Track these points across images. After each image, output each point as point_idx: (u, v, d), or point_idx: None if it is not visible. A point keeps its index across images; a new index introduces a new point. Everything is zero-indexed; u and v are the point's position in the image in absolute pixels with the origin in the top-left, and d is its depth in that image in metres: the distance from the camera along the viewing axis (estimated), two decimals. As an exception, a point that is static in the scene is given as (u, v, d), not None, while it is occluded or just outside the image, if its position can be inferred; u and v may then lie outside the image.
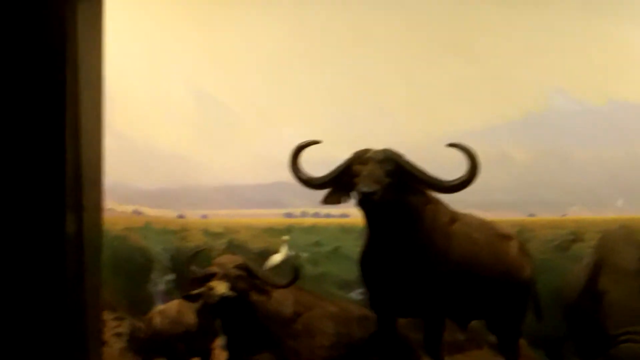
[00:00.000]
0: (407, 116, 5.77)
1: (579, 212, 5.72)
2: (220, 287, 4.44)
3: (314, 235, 6.09)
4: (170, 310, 4.91)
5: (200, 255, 4.92)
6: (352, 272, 5.88)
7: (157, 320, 4.93)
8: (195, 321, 4.68)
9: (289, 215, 6.13)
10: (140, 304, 6.00)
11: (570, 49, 5.58)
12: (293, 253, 5.67)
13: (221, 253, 5.71)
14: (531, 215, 5.79)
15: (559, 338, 5.00)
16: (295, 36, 5.88)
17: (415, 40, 5.76)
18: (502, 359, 4.82)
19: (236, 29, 5.92)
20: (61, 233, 3.35)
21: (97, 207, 3.88)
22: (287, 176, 5.75)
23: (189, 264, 4.81)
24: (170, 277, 6.13)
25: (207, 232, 6.17)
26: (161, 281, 6.12)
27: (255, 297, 4.73)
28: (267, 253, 5.87)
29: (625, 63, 5.55)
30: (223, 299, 4.41)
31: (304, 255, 5.87)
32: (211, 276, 4.59)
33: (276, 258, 5.47)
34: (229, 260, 4.72)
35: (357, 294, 5.90)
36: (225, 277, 4.57)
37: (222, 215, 6.18)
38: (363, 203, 3.88)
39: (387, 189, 3.89)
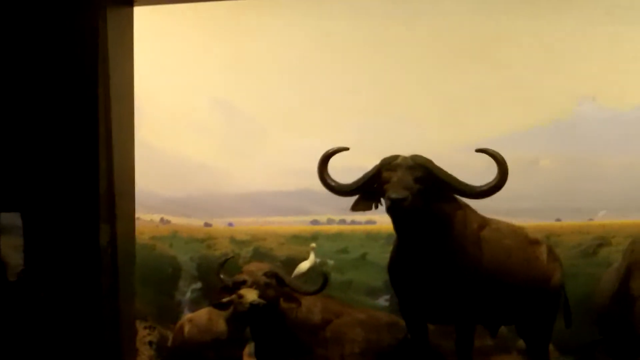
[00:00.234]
0: (432, 124, 5.75)
1: (606, 218, 5.68)
2: (251, 295, 4.46)
3: (340, 242, 6.08)
4: (199, 319, 4.91)
5: (228, 263, 4.95)
6: (378, 279, 5.90)
7: (187, 329, 4.93)
8: (225, 329, 4.67)
9: (314, 222, 6.12)
10: (167, 313, 6.03)
11: (598, 55, 5.54)
12: (319, 260, 5.68)
13: (247, 261, 5.73)
14: (557, 220, 5.76)
15: (591, 343, 4.97)
16: (320, 46, 5.89)
17: (440, 48, 5.74)
18: (530, 365, 4.83)
19: (261, 40, 5.94)
20: (95, 243, 3.39)
21: (130, 217, 3.91)
22: (313, 183, 5.76)
23: (218, 272, 4.84)
24: (197, 285, 6.15)
25: (233, 240, 6.17)
26: (188, 290, 6.14)
27: (284, 304, 4.76)
28: (293, 260, 5.87)
29: (653, 69, 5.54)
30: (253, 306, 4.43)
31: (330, 262, 5.86)
32: (241, 284, 4.62)
33: (304, 265, 5.48)
34: (258, 268, 4.76)
35: (384, 300, 5.90)
36: (255, 284, 4.60)
37: (248, 223, 6.19)
38: (393, 210, 3.87)
39: (417, 195, 3.89)
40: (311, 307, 4.86)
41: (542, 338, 4.72)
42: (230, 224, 6.20)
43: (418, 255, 4.14)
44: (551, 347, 4.86)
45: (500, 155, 4.00)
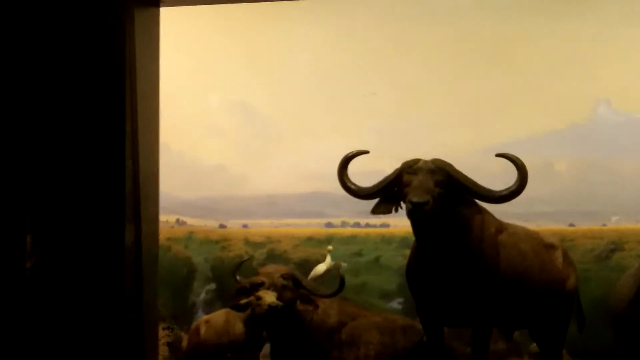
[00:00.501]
0: (450, 127, 5.77)
1: (620, 223, 5.70)
2: (268, 297, 4.45)
3: (354, 245, 6.10)
4: (216, 320, 4.91)
5: (242, 265, 4.95)
6: (392, 282, 5.92)
7: (203, 330, 4.94)
8: (242, 331, 4.64)
9: (329, 225, 6.14)
10: (182, 314, 6.04)
11: (615, 58, 5.56)
12: (334, 263, 5.69)
13: (261, 263, 5.74)
14: (571, 225, 5.78)
15: (608, 348, 4.97)
16: (338, 49, 5.92)
17: (458, 51, 5.76)
18: (543, 368, 4.83)
19: (278, 43, 5.98)
20: (120, 244, 3.41)
21: (154, 218, 3.93)
22: (327, 186, 5.80)
23: (234, 274, 4.84)
24: (211, 286, 6.16)
25: (247, 242, 6.19)
26: (202, 291, 6.15)
27: (300, 306, 4.76)
28: (307, 263, 5.89)
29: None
30: (272, 308, 4.42)
31: (344, 265, 5.87)
32: (258, 286, 4.61)
33: (321, 268, 5.48)
34: (275, 270, 4.75)
35: (397, 303, 5.91)
36: (272, 286, 4.59)
37: (263, 225, 6.21)
38: (414, 213, 3.86)
39: (438, 199, 3.89)
40: (327, 310, 4.86)
41: (557, 342, 4.73)
42: (244, 226, 6.22)
43: (437, 259, 4.14)
44: (564, 351, 4.87)
45: (520, 160, 4.01)
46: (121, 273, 3.43)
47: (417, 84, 5.83)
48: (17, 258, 3.30)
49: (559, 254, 4.67)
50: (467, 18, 5.72)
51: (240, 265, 4.94)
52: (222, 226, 6.22)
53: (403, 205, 4.06)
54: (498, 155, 4.06)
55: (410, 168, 4.02)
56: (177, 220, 6.17)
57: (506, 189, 4.01)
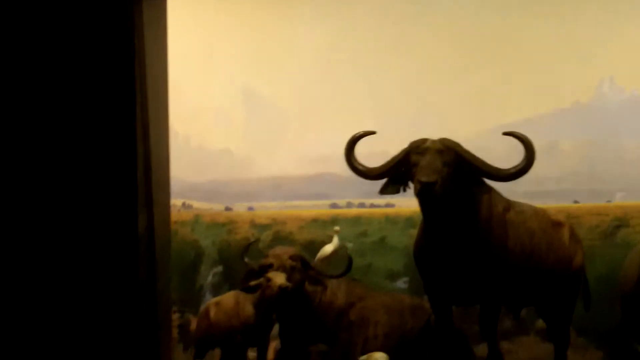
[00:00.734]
0: (454, 108, 5.77)
1: (624, 199, 5.71)
2: (279, 279, 4.47)
3: (360, 226, 6.11)
4: (226, 303, 4.91)
5: (250, 247, 4.96)
6: (398, 262, 5.94)
7: (213, 312, 4.94)
8: (253, 313, 4.66)
9: (334, 206, 6.15)
10: (190, 297, 6.06)
11: (619, 38, 5.56)
12: (340, 243, 5.70)
13: (268, 244, 5.75)
14: (576, 202, 5.79)
15: (617, 326, 4.98)
16: (342, 35, 5.91)
17: (463, 33, 5.76)
18: (549, 345, 4.84)
19: (284, 30, 5.98)
20: (134, 231, 3.41)
21: (165, 205, 3.93)
22: (332, 168, 5.81)
23: (243, 256, 4.85)
24: (218, 269, 6.18)
25: (253, 224, 6.21)
26: (209, 273, 6.17)
27: (309, 287, 4.78)
28: (312, 244, 5.90)
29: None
30: (282, 290, 4.43)
31: (350, 245, 5.88)
32: (268, 267, 4.63)
33: (328, 249, 5.48)
34: (284, 252, 4.77)
35: (402, 282, 5.93)
36: (281, 268, 4.61)
37: (269, 207, 6.23)
38: (422, 193, 3.87)
39: (446, 178, 3.90)
40: (335, 291, 4.89)
41: (564, 319, 4.73)
42: (250, 208, 6.23)
43: (445, 238, 4.16)
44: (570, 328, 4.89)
45: (527, 138, 4.02)
46: (135, 260, 3.44)
47: (422, 67, 5.83)
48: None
49: (566, 231, 4.67)
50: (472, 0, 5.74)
51: (248, 247, 4.95)
52: (228, 209, 6.23)
53: (411, 185, 4.08)
54: (505, 133, 4.07)
55: (418, 148, 4.02)
56: (183, 204, 6.18)
57: (514, 167, 4.02)
